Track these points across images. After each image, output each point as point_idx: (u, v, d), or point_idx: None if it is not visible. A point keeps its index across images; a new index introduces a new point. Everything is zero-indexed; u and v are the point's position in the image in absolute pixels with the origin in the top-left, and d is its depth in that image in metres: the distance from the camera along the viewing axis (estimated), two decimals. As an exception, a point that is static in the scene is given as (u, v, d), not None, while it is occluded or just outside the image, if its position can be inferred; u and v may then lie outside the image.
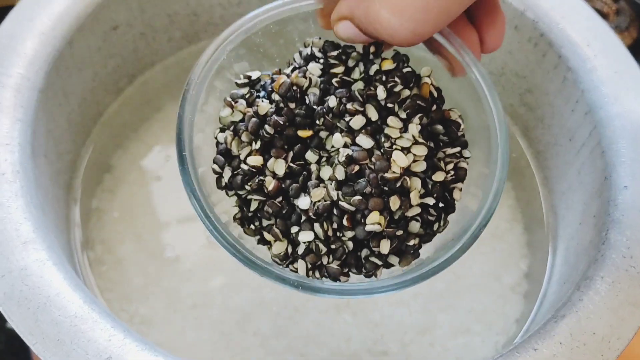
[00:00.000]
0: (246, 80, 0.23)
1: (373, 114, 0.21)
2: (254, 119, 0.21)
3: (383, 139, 0.21)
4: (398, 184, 0.20)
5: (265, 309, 0.32)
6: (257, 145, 0.21)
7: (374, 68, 0.22)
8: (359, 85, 0.22)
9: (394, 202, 0.20)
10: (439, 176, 0.21)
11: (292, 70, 0.23)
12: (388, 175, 0.20)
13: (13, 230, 0.24)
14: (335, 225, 0.20)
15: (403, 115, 0.21)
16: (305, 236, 0.20)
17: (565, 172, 0.33)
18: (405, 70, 0.22)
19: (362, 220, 0.20)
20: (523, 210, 0.36)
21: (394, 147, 0.20)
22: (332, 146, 0.21)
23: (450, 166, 0.22)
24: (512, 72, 0.36)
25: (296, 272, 0.21)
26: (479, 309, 0.33)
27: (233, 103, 0.23)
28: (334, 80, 0.21)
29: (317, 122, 0.21)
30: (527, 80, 0.36)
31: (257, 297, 0.32)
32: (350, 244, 0.21)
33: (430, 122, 0.22)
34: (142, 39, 0.37)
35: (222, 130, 0.23)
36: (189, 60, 0.40)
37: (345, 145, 0.21)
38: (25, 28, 0.30)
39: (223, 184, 0.22)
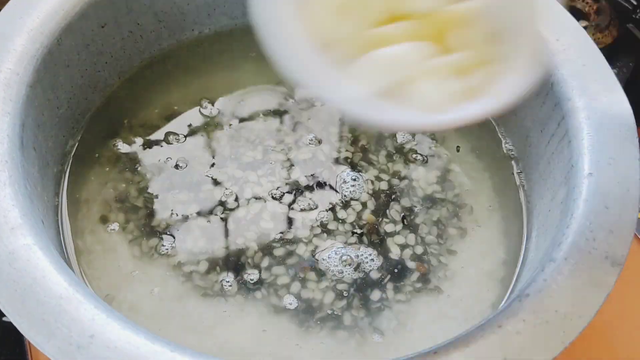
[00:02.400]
0: None
1: None
2: None
3: None
4: None
5: (252, 299, 0.33)
6: None
7: None
8: None
9: None
10: None
11: None
12: None
13: (1, 217, 0.25)
14: None
15: None
16: None
17: (537, 162, 0.34)
18: None
19: None
20: (500, 199, 0.37)
21: None
22: None
23: None
24: (487, 66, 0.38)
25: None
26: (457, 295, 0.34)
27: None
28: None
29: None
30: (500, 74, 0.37)
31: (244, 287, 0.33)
32: None
33: None
34: (130, 37, 0.39)
35: None
36: (175, 58, 0.42)
37: None
38: (14, 26, 0.31)
39: None
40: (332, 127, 0.39)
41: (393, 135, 0.39)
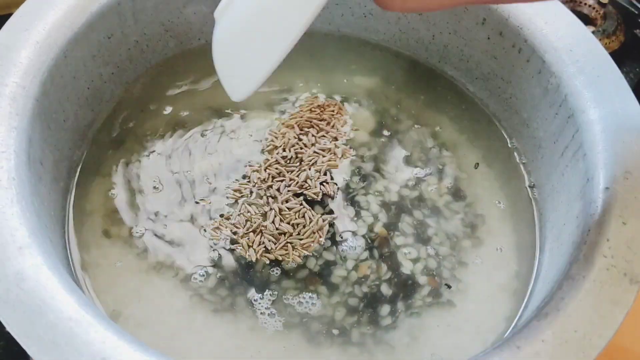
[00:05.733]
0: None
1: None
2: None
3: None
4: None
5: (262, 315, 0.32)
6: None
7: None
8: None
9: None
10: None
11: None
12: None
13: (9, 236, 0.25)
14: None
15: None
16: None
17: (550, 175, 0.34)
18: None
19: None
20: (513, 211, 0.37)
21: None
22: None
23: None
24: (498, 77, 0.37)
25: None
26: (469, 309, 0.33)
27: None
28: None
29: None
30: (512, 85, 0.36)
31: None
32: None
33: None
34: (136, 46, 0.38)
35: None
36: (182, 67, 0.41)
37: None
38: (20, 38, 0.31)
39: None
40: (340, 136, 0.39)
41: (400, 142, 0.39)
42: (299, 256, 0.34)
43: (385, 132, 0.39)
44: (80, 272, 0.33)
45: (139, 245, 0.34)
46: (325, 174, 0.37)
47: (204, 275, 0.33)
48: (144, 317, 0.32)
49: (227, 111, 0.40)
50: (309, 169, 0.37)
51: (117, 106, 0.39)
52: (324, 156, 0.37)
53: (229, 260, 0.34)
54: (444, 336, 0.32)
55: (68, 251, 0.33)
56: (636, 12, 0.54)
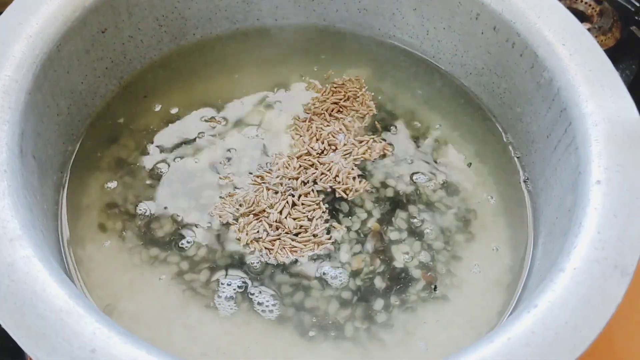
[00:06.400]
0: None
1: None
2: None
3: None
4: None
5: (255, 309, 0.32)
6: None
7: None
8: None
9: None
10: None
11: None
12: None
13: (0, 228, 0.25)
14: None
15: None
16: None
17: (543, 168, 0.34)
18: None
19: None
20: (506, 206, 0.37)
21: None
22: None
23: None
24: (492, 71, 0.37)
25: None
26: (463, 303, 0.33)
27: None
28: None
29: None
30: (505, 79, 0.36)
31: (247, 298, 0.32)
32: None
33: None
34: (131, 41, 0.38)
35: None
36: (176, 62, 0.41)
37: None
38: (13, 32, 0.31)
39: None
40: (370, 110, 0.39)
41: (395, 137, 0.39)
42: (283, 257, 0.33)
43: (380, 127, 0.39)
44: (74, 266, 0.33)
45: (133, 240, 0.34)
46: (353, 169, 0.36)
47: (197, 270, 0.33)
48: (138, 311, 0.32)
49: (221, 107, 0.40)
50: (339, 163, 0.36)
51: (111, 101, 0.39)
52: (358, 148, 0.37)
53: (222, 255, 0.34)
54: (438, 331, 0.32)
55: (61, 245, 0.33)
56: (632, 9, 0.54)
